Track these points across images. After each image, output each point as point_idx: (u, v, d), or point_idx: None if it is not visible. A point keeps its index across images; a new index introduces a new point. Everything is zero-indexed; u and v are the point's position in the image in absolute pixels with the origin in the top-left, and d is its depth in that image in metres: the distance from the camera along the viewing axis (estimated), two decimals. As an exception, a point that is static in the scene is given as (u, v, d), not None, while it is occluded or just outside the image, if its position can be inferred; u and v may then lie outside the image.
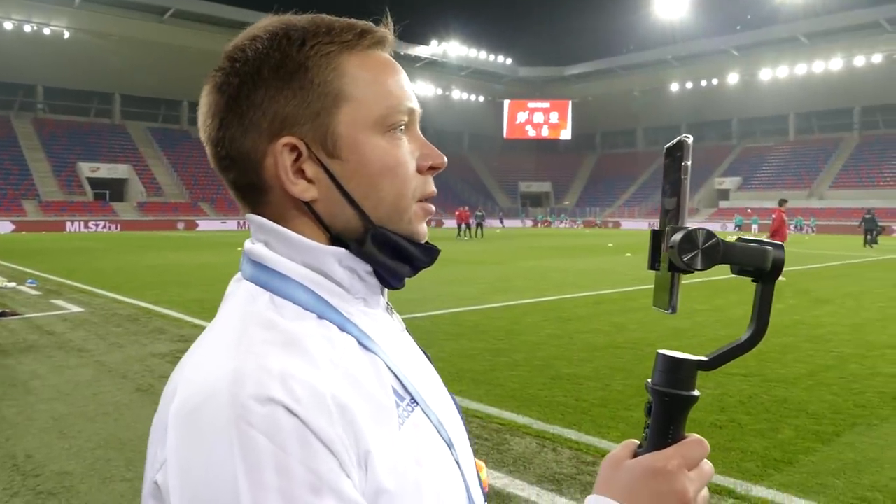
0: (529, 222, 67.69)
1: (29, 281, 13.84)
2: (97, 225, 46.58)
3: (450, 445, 0.72)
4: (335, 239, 0.72)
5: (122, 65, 55.62)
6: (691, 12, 68.85)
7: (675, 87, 71.65)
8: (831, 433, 4.80)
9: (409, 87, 0.76)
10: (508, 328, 8.88)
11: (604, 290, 12.85)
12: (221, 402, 0.56)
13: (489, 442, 4.63)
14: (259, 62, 0.69)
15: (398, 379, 0.69)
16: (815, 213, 51.34)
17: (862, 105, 62.43)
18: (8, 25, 51.11)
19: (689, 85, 70.33)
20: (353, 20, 0.74)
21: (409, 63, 72.47)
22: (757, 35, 63.99)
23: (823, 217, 50.95)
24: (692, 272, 0.62)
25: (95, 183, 52.48)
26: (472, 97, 79.64)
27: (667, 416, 0.64)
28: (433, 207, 0.77)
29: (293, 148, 0.69)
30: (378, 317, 0.76)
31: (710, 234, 0.62)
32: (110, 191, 52.98)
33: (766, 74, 65.09)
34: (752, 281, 0.66)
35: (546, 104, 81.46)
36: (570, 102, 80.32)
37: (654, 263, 0.65)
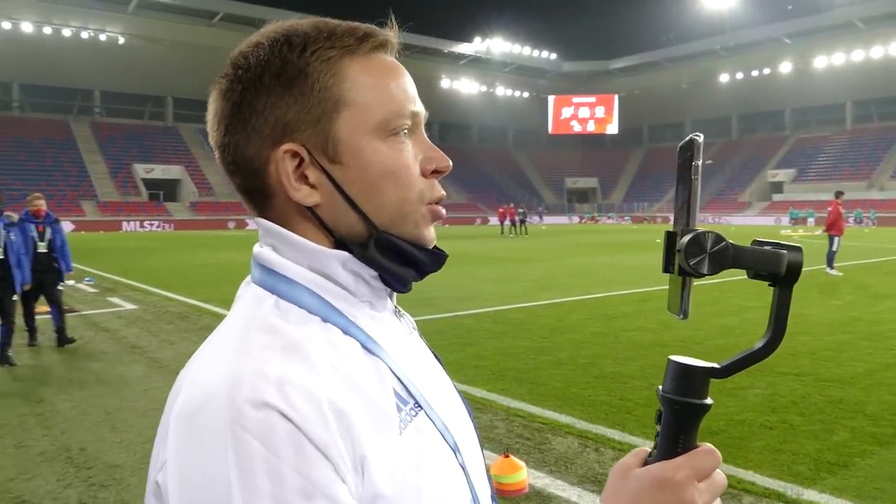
0: (576, 219, 66.93)
1: (87, 279, 14.34)
2: (151, 224, 48.00)
3: (455, 449, 0.71)
4: (340, 243, 0.71)
5: (174, 68, 57.13)
6: (740, 1, 66.93)
7: (724, 77, 69.86)
8: (891, 435, 4.60)
9: (414, 90, 0.75)
10: (553, 326, 8.80)
11: (651, 286, 12.60)
12: (218, 406, 0.57)
13: (530, 441, 4.58)
14: (261, 69, 0.69)
15: (402, 383, 0.68)
16: (875, 205, 49.43)
17: (924, 91, 59.85)
18: (66, 33, 53.06)
19: (739, 75, 68.45)
20: (355, 24, 0.73)
21: (453, 61, 72.53)
22: (810, 21, 61.75)
23: (884, 209, 48.95)
24: (701, 276, 0.60)
25: (150, 184, 54.17)
26: (517, 93, 79.17)
27: (677, 425, 0.62)
28: (442, 211, 0.76)
29: (295, 154, 0.69)
30: (385, 320, 0.75)
31: (718, 238, 0.60)
32: (164, 191, 54.58)
33: (820, 62, 62.90)
34: (769, 285, 0.63)
35: (591, 99, 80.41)
36: (616, 96, 79.09)
37: (668, 266, 0.63)
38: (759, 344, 0.63)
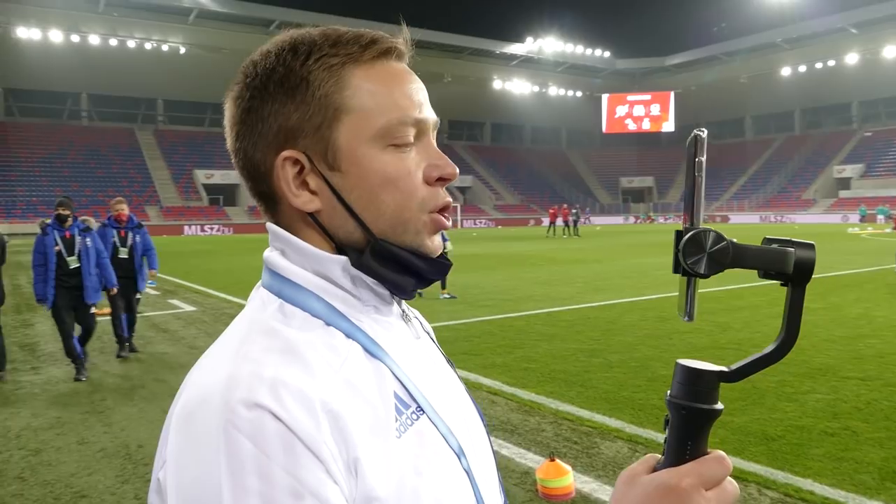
0: (632, 219, 65.75)
1: (150, 282, 14.82)
2: (211, 228, 49.46)
3: (459, 454, 0.71)
4: (341, 249, 0.72)
5: (233, 76, 58.47)
6: (802, -8, 64.63)
7: (786, 71, 67.57)
8: (963, 445, 4.35)
9: (421, 96, 0.74)
10: (605, 328, 8.66)
11: (708, 287, 12.24)
12: (214, 406, 0.58)
13: (578, 445, 4.51)
14: (266, 76, 0.71)
15: (404, 386, 0.69)
16: (951, 202, 47.04)
17: None
18: (131, 44, 55.25)
19: (802, 68, 66.06)
20: (363, 31, 0.73)
21: (505, 62, 72.30)
22: (878, 10, 59.00)
23: (960, 205, 46.54)
24: (701, 277, 0.59)
25: (210, 189, 55.87)
26: (570, 93, 78.39)
27: (684, 431, 0.60)
28: (446, 221, 0.75)
29: (296, 161, 0.70)
30: (392, 324, 0.75)
31: (719, 237, 0.58)
32: (224, 196, 56.21)
33: (890, 52, 60.10)
34: (781, 285, 0.61)
35: (647, 96, 78.87)
36: (672, 93, 77.34)
37: (677, 266, 0.61)
38: (772, 346, 0.61)
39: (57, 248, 6.80)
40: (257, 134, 0.71)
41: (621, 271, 16.27)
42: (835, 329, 8.16)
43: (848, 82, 64.21)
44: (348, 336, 0.68)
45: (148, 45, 56.00)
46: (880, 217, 44.41)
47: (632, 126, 79.73)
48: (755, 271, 0.61)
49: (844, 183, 60.03)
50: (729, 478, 0.60)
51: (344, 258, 0.71)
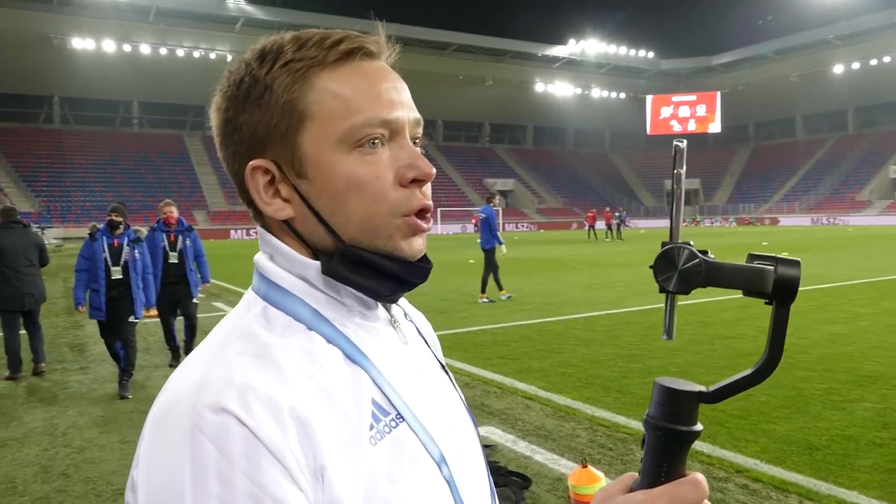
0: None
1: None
2: (257, 233, 50.23)
3: (440, 463, 0.69)
4: (317, 254, 0.72)
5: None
6: (855, -13, 62.61)
7: (838, 68, 65.45)
8: None
9: (395, 95, 0.71)
10: (644, 333, 8.51)
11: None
12: (183, 409, 0.59)
13: (613, 452, 4.43)
14: (237, 86, 0.71)
15: (384, 393, 0.68)
16: None
17: None
18: (180, 53, 56.70)
19: (855, 65, 63.91)
20: (329, 31, 0.72)
21: (547, 64, 71.89)
22: (938, 4, 57.00)
23: None
24: (673, 294, 0.57)
25: (255, 194, 56.92)
26: (613, 94, 77.42)
27: (660, 452, 0.57)
28: (422, 223, 0.72)
29: (266, 170, 0.70)
30: (378, 329, 0.74)
31: (692, 254, 0.56)
32: (267, 201, 57.22)
33: (950, 48, 57.86)
34: (766, 303, 0.59)
35: (692, 97, 77.45)
36: (719, 93, 75.74)
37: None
38: (754, 367, 0.59)
39: (103, 254, 6.59)
40: (234, 144, 0.71)
41: (664, 275, 15.97)
42: (887, 335, 7.85)
43: (905, 79, 62.01)
44: (329, 341, 0.68)
45: (196, 54, 57.41)
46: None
47: (677, 127, 78.30)
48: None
49: (901, 183, 57.95)
50: (706, 501, 0.58)
51: (318, 263, 0.71)
